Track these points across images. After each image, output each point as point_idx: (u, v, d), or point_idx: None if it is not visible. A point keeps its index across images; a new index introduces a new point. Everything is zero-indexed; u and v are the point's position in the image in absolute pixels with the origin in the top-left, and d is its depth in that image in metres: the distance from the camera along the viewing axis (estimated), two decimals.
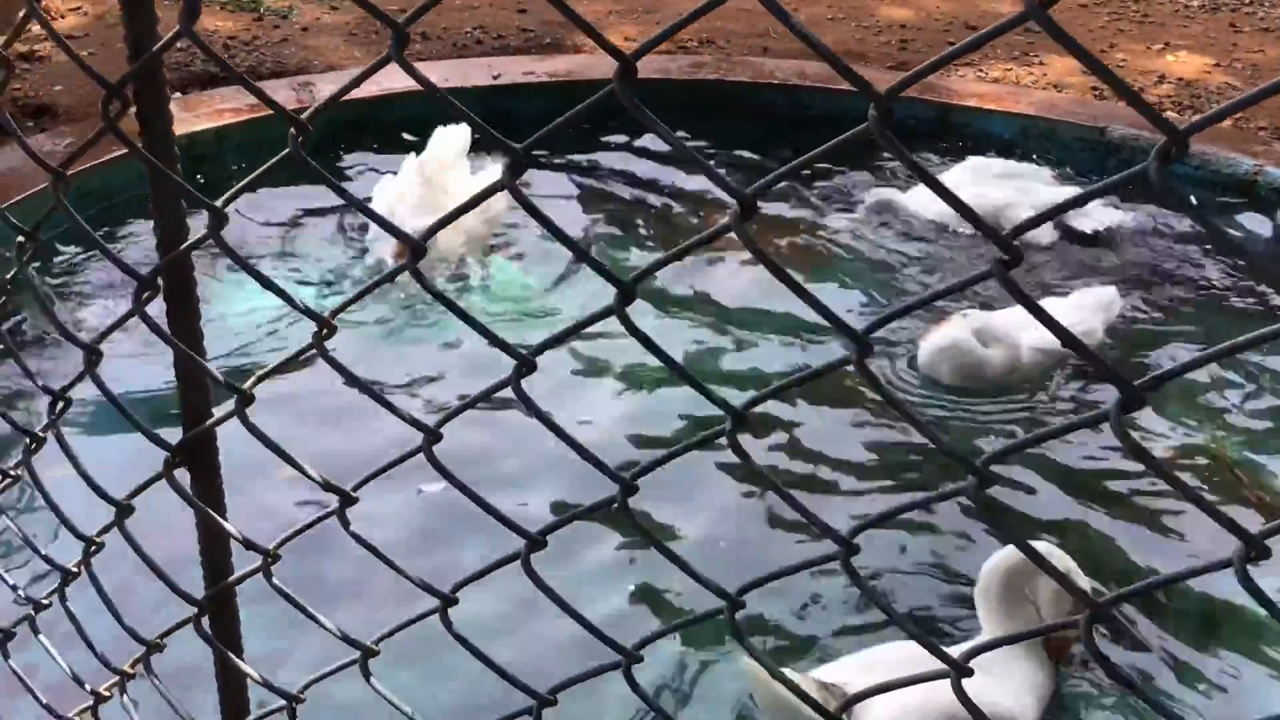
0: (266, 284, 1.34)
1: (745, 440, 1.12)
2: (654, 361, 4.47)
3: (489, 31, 7.85)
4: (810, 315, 4.80)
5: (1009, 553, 3.09)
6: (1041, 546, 3.07)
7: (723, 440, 1.11)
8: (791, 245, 5.55)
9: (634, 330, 1.12)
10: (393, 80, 6.40)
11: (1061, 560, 2.96)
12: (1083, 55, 0.95)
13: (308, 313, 1.28)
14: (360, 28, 7.84)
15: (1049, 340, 4.38)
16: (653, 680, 3.16)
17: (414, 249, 1.19)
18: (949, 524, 3.79)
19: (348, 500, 1.32)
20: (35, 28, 6.60)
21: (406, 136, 5.85)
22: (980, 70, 7.53)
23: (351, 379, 1.30)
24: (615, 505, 1.18)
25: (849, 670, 2.96)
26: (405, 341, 4.74)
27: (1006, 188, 5.48)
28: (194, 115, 5.90)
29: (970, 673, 1.10)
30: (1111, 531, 3.84)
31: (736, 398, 1.11)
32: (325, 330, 1.28)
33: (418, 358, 4.62)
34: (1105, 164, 6.01)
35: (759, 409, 1.14)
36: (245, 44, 7.44)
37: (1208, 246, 5.58)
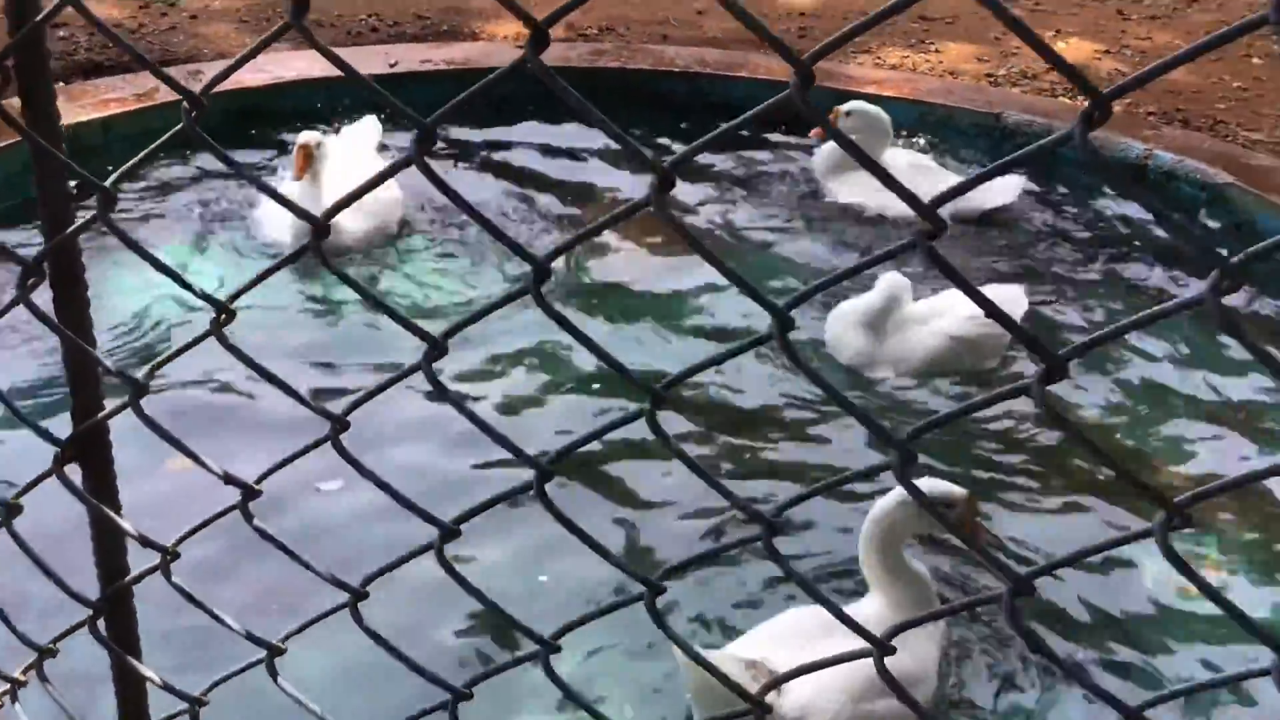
0: (161, 268, 1.28)
1: (666, 420, 1.10)
2: (568, 344, 4.44)
3: (384, 19, 7.72)
4: (724, 300, 4.83)
5: (890, 502, 3.03)
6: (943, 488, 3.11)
7: (643, 422, 1.08)
8: (708, 229, 5.55)
9: (549, 309, 1.09)
10: (284, 69, 6.33)
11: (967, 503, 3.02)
12: (1018, 26, 0.93)
13: (205, 297, 1.22)
14: (251, 14, 7.66)
15: (961, 327, 4.43)
16: (574, 670, 3.12)
17: (317, 229, 1.14)
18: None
19: (250, 493, 1.27)
20: None
21: (298, 127, 5.74)
22: (878, 57, 7.61)
23: (253, 366, 1.24)
24: (531, 491, 1.14)
25: (766, 642, 2.94)
26: (311, 328, 4.64)
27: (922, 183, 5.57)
28: (78, 105, 5.70)
29: (892, 650, 1.09)
30: (1029, 505, 3.91)
31: (654, 381, 1.08)
32: (224, 316, 1.22)
33: (324, 344, 4.52)
34: (1001, 149, 6.10)
35: (682, 390, 1.10)
36: (131, 32, 7.22)
37: (1102, 226, 5.71)
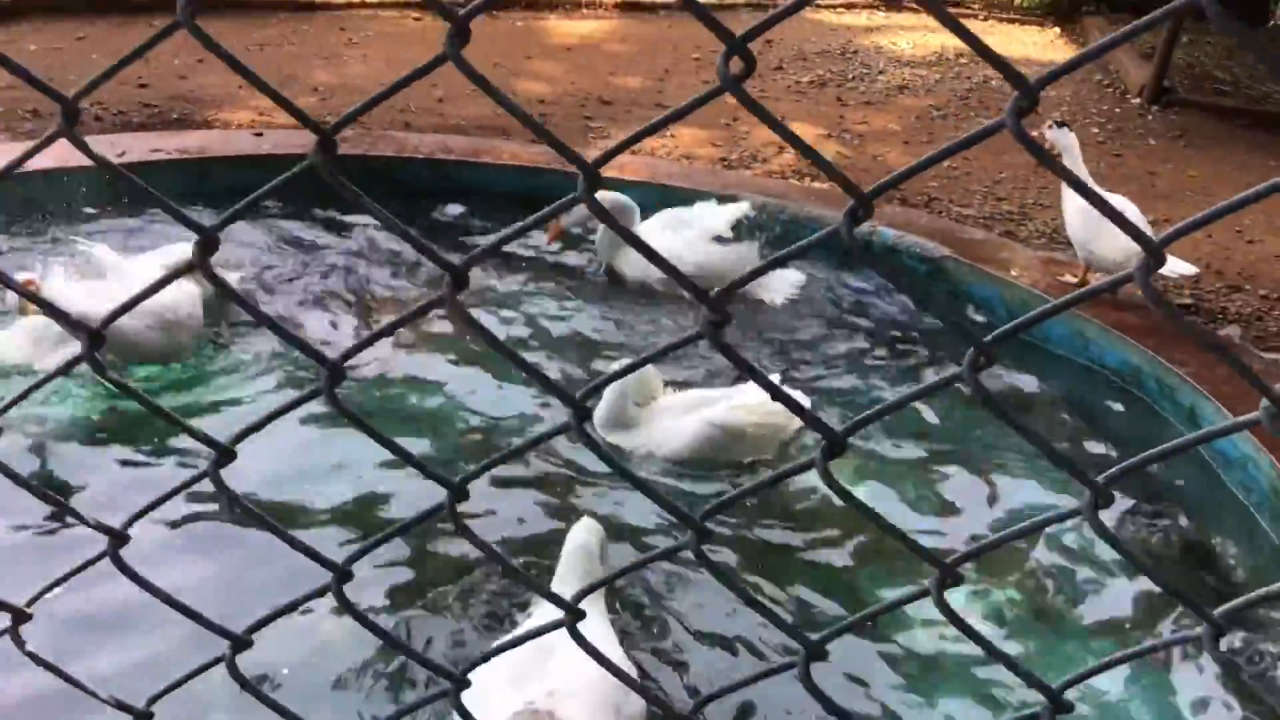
0: None
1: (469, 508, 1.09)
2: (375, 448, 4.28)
3: (108, 108, 7.42)
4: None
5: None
6: None
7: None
8: (505, 318, 5.53)
9: (341, 409, 1.07)
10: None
11: None
12: (780, 128, 0.99)
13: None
14: None
15: (726, 417, 4.49)
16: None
17: (91, 336, 1.09)
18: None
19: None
20: None
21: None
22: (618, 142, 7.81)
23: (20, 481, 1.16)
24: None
25: (515, 678, 2.86)
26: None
27: (675, 239, 5.84)
28: None
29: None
30: (817, 566, 4.06)
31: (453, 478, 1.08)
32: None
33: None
34: (739, 228, 6.36)
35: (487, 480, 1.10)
36: None
37: (861, 303, 6.02)
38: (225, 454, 1.08)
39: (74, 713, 2.61)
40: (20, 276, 4.38)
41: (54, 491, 1.19)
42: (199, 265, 1.03)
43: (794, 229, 6.29)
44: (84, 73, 8.31)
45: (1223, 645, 3.17)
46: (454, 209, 6.55)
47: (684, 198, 6.43)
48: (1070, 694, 0.92)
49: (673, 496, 4.26)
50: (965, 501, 4.49)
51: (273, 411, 1.09)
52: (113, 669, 3.00)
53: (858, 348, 5.67)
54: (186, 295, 4.80)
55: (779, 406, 4.52)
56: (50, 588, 1.18)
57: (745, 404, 4.49)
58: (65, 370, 1.11)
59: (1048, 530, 4.04)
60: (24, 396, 1.16)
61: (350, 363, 0.98)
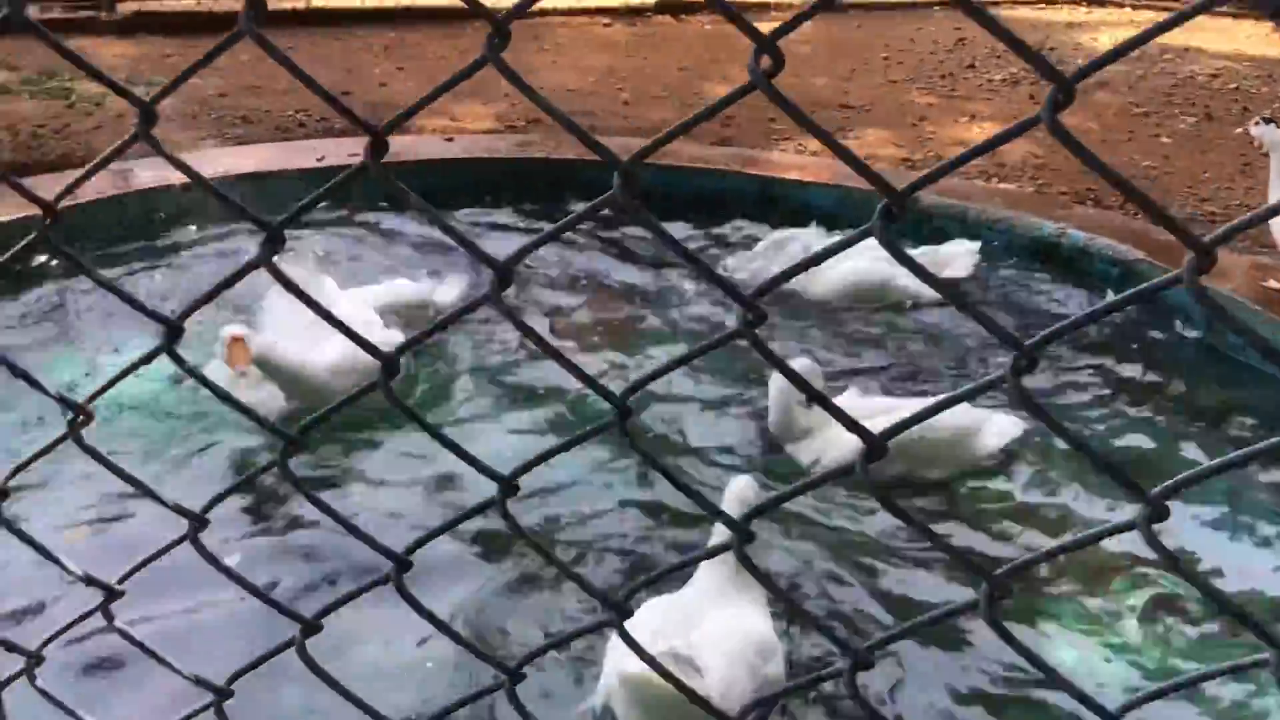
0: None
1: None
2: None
3: (311, 114, 7.78)
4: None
5: None
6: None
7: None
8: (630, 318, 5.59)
9: (400, 403, 1.10)
10: (204, 168, 6.34)
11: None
12: (804, 122, 0.96)
13: (64, 401, 1.23)
14: (176, 112, 7.68)
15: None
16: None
17: (170, 329, 1.13)
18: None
19: (112, 595, 1.26)
20: None
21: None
22: (799, 144, 7.78)
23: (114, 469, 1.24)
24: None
25: (655, 637, 2.94)
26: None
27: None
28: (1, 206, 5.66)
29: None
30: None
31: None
32: (81, 418, 1.24)
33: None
34: (920, 230, 6.25)
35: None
36: (56, 132, 7.21)
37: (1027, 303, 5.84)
38: (292, 443, 1.13)
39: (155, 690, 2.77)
40: (229, 331, 4.17)
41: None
42: (264, 261, 1.06)
43: (976, 229, 6.14)
44: (291, 81, 8.77)
45: None
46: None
47: (861, 199, 6.35)
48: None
49: (826, 510, 4.21)
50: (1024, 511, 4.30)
51: (334, 405, 1.13)
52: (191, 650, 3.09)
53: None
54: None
55: (963, 421, 4.38)
56: (141, 566, 1.25)
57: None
58: (146, 358, 1.16)
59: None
60: (113, 384, 1.23)
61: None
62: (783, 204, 6.62)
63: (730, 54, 10.06)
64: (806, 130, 0.91)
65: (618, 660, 2.96)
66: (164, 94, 1.08)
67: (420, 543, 1.11)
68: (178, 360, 1.13)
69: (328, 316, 1.10)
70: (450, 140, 7.08)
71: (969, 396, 0.92)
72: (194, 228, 6.02)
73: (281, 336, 4.35)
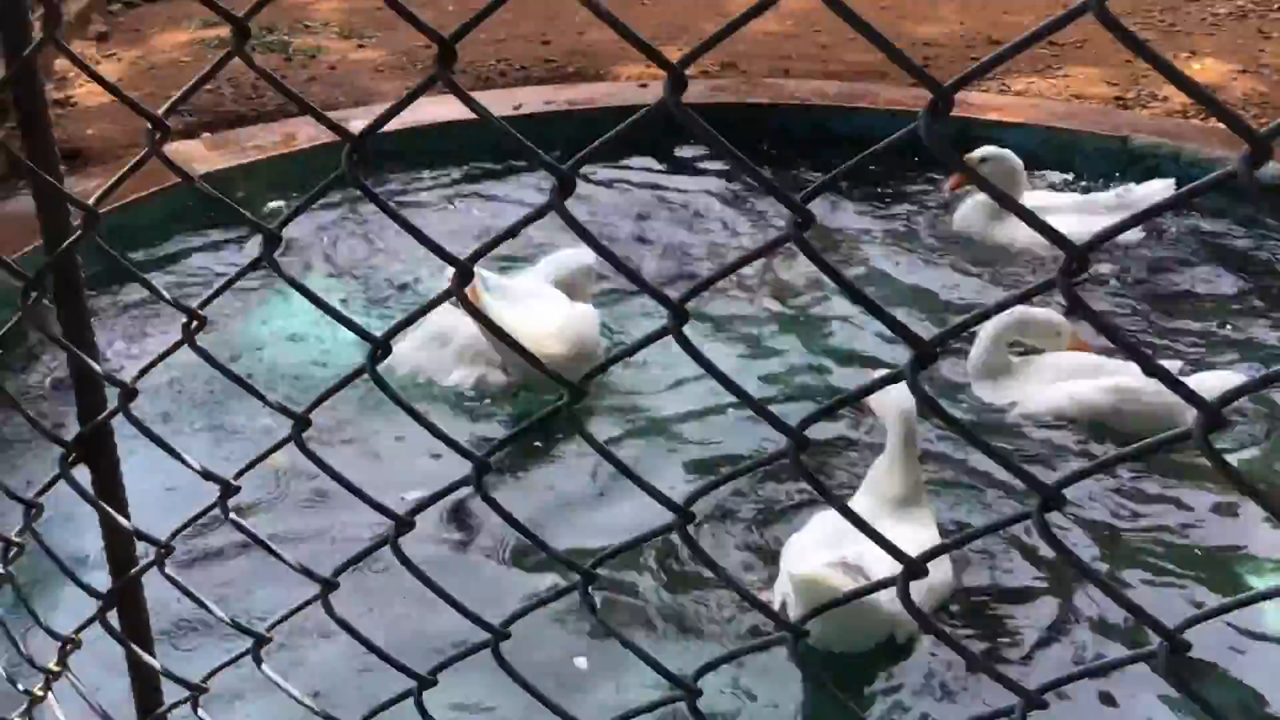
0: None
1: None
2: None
3: (512, 63, 7.93)
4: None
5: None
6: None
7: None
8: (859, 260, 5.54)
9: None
10: (418, 114, 6.54)
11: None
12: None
13: (181, 309, 1.32)
14: (386, 63, 7.96)
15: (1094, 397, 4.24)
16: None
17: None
18: None
19: (228, 490, 1.35)
20: (70, 75, 6.71)
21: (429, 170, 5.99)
22: (1003, 84, 7.52)
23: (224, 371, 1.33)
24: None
25: (820, 547, 3.15)
26: None
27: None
28: (220, 154, 6.02)
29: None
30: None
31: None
32: (195, 323, 1.32)
33: None
34: (1127, 173, 5.98)
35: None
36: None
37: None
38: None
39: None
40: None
41: None
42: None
43: (1192, 171, 5.84)
44: (496, 30, 8.97)
45: None
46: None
47: (1066, 141, 6.11)
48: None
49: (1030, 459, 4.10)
50: None
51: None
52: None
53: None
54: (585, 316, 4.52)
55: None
56: (251, 466, 1.34)
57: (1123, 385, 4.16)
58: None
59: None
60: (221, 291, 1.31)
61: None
62: (983, 143, 6.42)
63: None
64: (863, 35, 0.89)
65: (791, 561, 3.10)
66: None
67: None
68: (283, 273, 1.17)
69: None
70: (645, 86, 7.12)
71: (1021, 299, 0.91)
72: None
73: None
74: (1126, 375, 4.13)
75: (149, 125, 1.28)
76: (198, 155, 6.11)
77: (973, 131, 6.49)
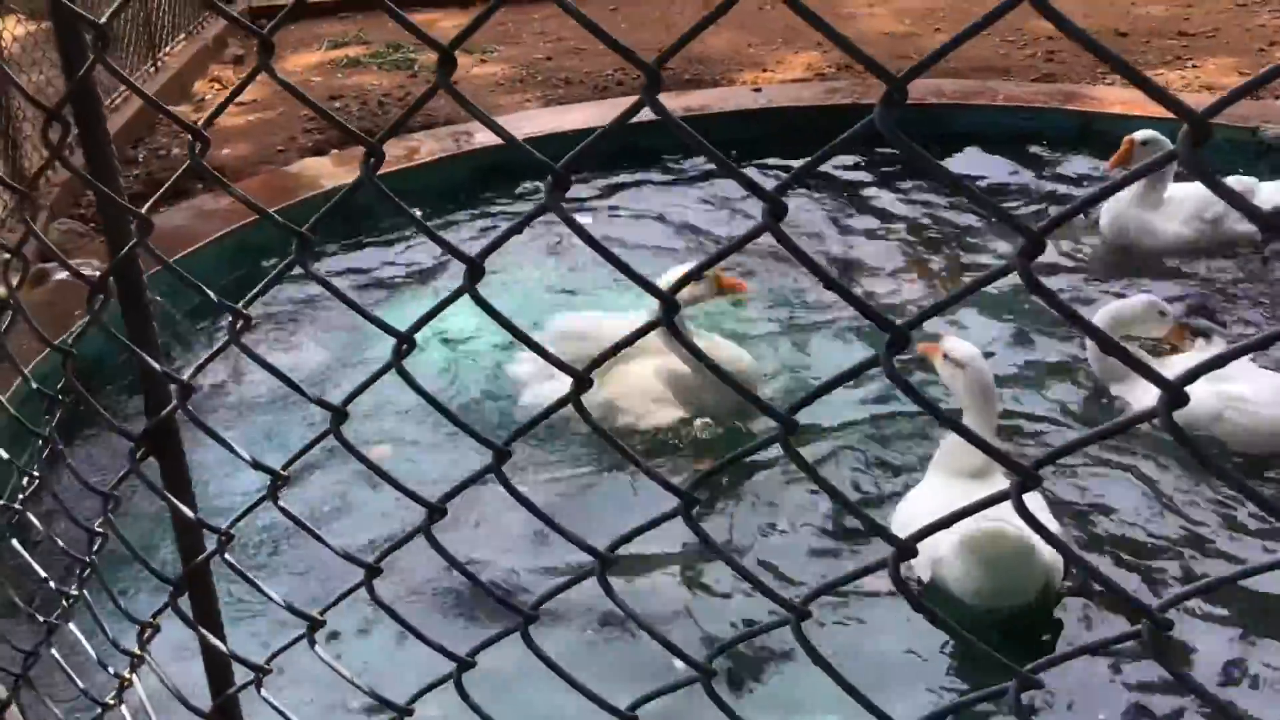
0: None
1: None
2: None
3: (630, 73, 8.03)
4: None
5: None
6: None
7: None
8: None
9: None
10: (524, 126, 6.69)
11: None
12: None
13: (225, 308, 1.37)
14: (505, 78, 8.13)
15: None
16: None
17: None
18: None
19: (278, 479, 1.41)
20: (209, 97, 7.00)
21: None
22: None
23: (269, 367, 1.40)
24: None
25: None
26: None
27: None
28: (347, 169, 6.22)
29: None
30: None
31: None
32: (240, 322, 1.38)
33: None
34: (1258, 165, 5.78)
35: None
36: (398, 100, 7.80)
37: None
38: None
39: None
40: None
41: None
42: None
43: None
44: (625, 41, 9.04)
45: None
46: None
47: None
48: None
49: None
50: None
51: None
52: None
53: None
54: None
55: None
56: (299, 455, 1.40)
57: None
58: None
59: None
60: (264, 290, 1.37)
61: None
62: (1105, 139, 6.29)
63: None
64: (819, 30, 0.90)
65: (964, 526, 3.18)
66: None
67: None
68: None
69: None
70: (758, 90, 7.14)
71: (979, 286, 0.91)
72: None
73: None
74: (1240, 382, 3.98)
75: (190, 137, 1.35)
76: (326, 171, 6.33)
77: (1095, 125, 6.37)
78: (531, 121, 6.74)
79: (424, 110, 7.58)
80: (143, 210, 1.42)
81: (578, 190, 6.13)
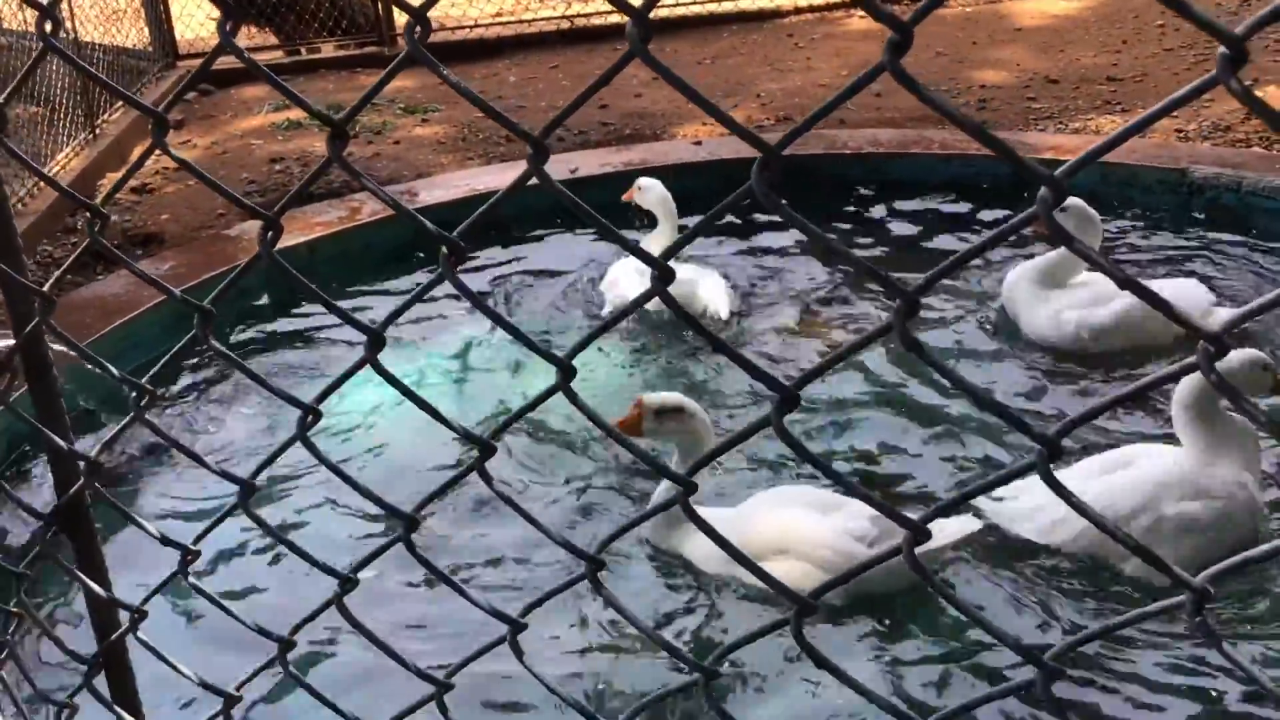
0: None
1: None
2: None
3: (571, 129, 8.08)
4: None
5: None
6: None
7: None
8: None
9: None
10: (470, 183, 6.72)
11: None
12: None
13: (130, 385, 1.37)
14: (448, 136, 8.16)
15: None
16: None
17: (453, 249, 1.19)
18: None
19: (187, 553, 1.40)
20: (148, 164, 6.96)
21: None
22: (1060, 123, 7.49)
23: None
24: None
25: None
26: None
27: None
28: (287, 232, 6.20)
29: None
30: None
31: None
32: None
33: None
34: (1189, 205, 5.90)
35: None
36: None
37: None
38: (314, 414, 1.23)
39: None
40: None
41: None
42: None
43: (1252, 200, 5.75)
44: (555, 99, 9.16)
45: None
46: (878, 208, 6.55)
47: (1125, 176, 6.06)
48: None
49: None
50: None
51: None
52: None
53: None
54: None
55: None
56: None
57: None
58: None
59: None
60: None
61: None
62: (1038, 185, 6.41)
63: (991, 35, 9.76)
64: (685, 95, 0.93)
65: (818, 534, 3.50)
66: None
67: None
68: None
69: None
70: (698, 144, 7.21)
71: (862, 345, 0.93)
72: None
73: None
74: None
75: (88, 214, 1.35)
76: None
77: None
78: (472, 179, 6.76)
79: (368, 170, 7.62)
80: (44, 288, 1.41)
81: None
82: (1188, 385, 3.65)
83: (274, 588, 3.79)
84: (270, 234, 1.27)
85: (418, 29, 1.07)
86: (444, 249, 1.14)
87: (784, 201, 0.96)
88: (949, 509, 0.92)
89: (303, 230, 6.22)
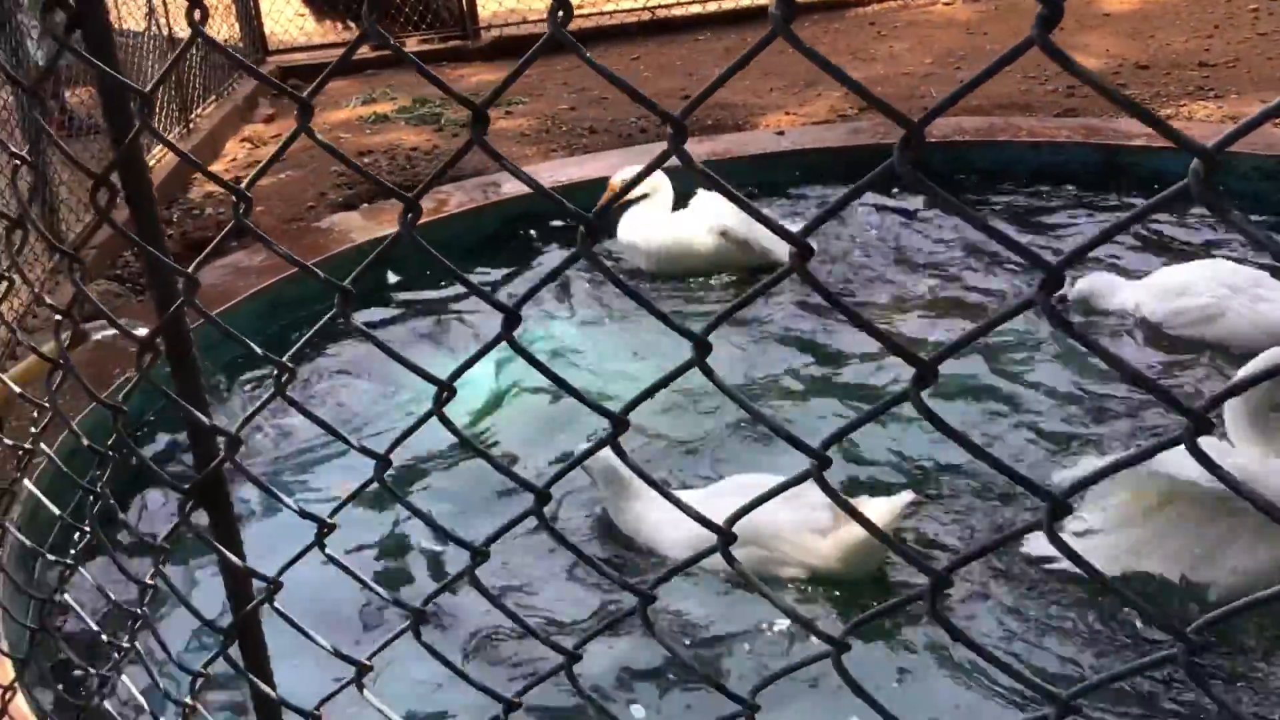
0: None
1: None
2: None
3: (653, 120, 8.11)
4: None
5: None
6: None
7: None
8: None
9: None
10: (559, 175, 6.78)
11: None
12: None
13: (270, 361, 1.42)
14: (531, 129, 8.23)
15: None
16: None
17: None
18: None
19: (324, 526, 1.44)
20: (241, 156, 7.13)
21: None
22: (1151, 109, 7.33)
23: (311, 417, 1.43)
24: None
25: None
26: None
27: None
28: (376, 223, 6.31)
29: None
30: None
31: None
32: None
33: None
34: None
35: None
36: (426, 154, 7.90)
37: None
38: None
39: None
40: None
41: None
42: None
43: None
44: (649, 89, 9.15)
45: None
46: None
47: (1222, 161, 5.93)
48: None
49: None
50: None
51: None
52: None
53: None
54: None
55: None
56: (346, 501, 1.42)
57: None
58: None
59: None
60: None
61: None
62: (1132, 173, 6.31)
63: (1079, 20, 9.62)
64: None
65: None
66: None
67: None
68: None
69: None
70: (781, 134, 7.20)
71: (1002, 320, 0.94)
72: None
73: None
74: None
75: (233, 197, 1.40)
76: (356, 226, 6.42)
77: (1119, 159, 6.38)
78: (556, 171, 6.82)
79: (457, 165, 7.69)
80: (188, 269, 1.46)
81: None
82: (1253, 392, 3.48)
83: (381, 565, 3.89)
84: (410, 215, 1.31)
85: (560, 13, 1.10)
86: (582, 228, 1.16)
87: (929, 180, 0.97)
88: (1091, 481, 0.92)
89: (392, 223, 6.30)
